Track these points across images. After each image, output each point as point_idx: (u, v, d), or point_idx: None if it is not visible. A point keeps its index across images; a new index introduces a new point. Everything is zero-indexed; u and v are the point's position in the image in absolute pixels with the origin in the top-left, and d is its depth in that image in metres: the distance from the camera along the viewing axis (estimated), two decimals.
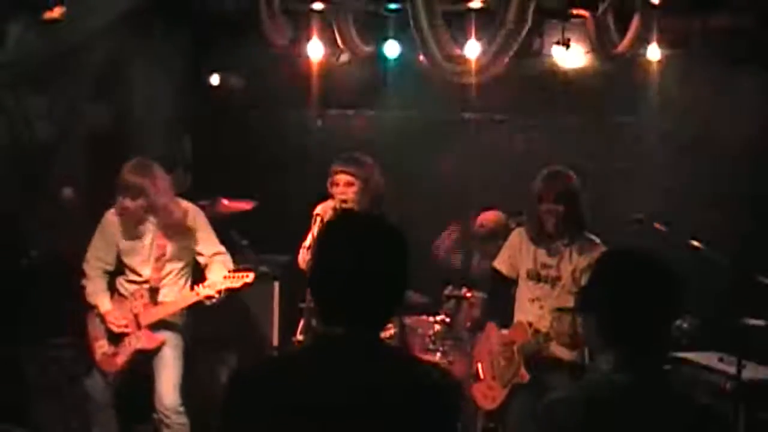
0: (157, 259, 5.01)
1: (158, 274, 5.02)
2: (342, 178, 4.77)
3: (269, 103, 7.42)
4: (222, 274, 4.96)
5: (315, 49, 6.80)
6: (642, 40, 6.33)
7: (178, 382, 4.99)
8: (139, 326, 4.98)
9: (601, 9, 6.29)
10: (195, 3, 6.81)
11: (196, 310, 5.08)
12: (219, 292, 4.92)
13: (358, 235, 2.24)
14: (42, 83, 5.93)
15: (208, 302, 4.97)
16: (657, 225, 4.99)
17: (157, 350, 4.99)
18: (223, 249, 5.13)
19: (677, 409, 2.40)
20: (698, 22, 6.40)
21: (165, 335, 5.01)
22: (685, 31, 6.48)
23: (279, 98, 7.34)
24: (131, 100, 6.43)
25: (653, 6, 6.18)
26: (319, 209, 4.72)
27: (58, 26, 5.77)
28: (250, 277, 4.95)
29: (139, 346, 4.97)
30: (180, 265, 5.08)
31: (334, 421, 2.11)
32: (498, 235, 5.66)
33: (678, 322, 4.58)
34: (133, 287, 5.05)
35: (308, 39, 6.79)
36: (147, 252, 5.02)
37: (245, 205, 6.29)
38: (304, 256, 4.84)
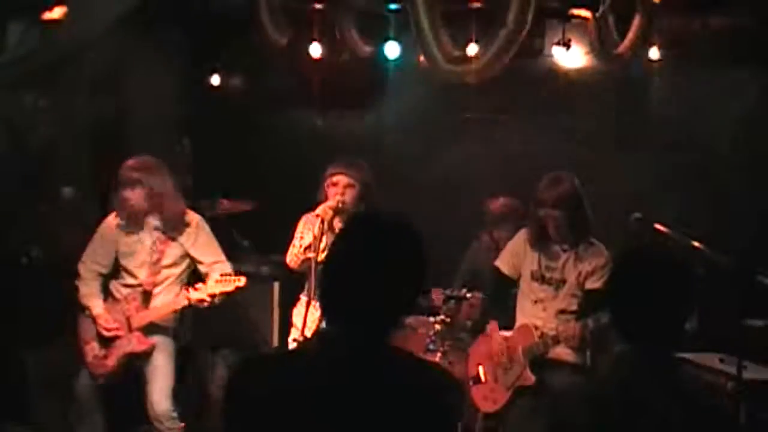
0: (155, 263, 5.00)
1: (153, 278, 5.00)
2: (343, 179, 4.78)
3: (269, 103, 7.41)
4: (214, 278, 4.93)
5: (315, 49, 6.79)
6: (642, 41, 6.32)
7: (170, 388, 4.97)
8: (130, 329, 4.97)
9: (601, 9, 6.29)
10: (195, 3, 6.81)
11: (196, 310, 5.07)
12: (212, 296, 4.89)
13: (372, 234, 2.22)
14: (42, 83, 5.92)
15: (201, 306, 4.95)
16: (657, 225, 4.99)
17: (147, 354, 4.97)
18: (223, 258, 5.09)
19: (683, 408, 2.40)
20: (698, 22, 6.40)
21: (156, 339, 4.99)
22: (685, 31, 6.47)
23: (279, 98, 7.34)
24: (131, 101, 6.43)
25: (654, 6, 6.18)
26: (318, 210, 4.72)
27: (58, 26, 5.77)
28: (242, 281, 4.91)
29: (130, 349, 4.95)
30: (177, 271, 5.06)
31: (334, 419, 2.10)
32: (508, 219, 5.63)
33: None
34: (127, 290, 5.04)
35: (308, 39, 6.78)
36: (145, 255, 5.01)
37: (245, 206, 6.28)
38: (298, 256, 4.82)
